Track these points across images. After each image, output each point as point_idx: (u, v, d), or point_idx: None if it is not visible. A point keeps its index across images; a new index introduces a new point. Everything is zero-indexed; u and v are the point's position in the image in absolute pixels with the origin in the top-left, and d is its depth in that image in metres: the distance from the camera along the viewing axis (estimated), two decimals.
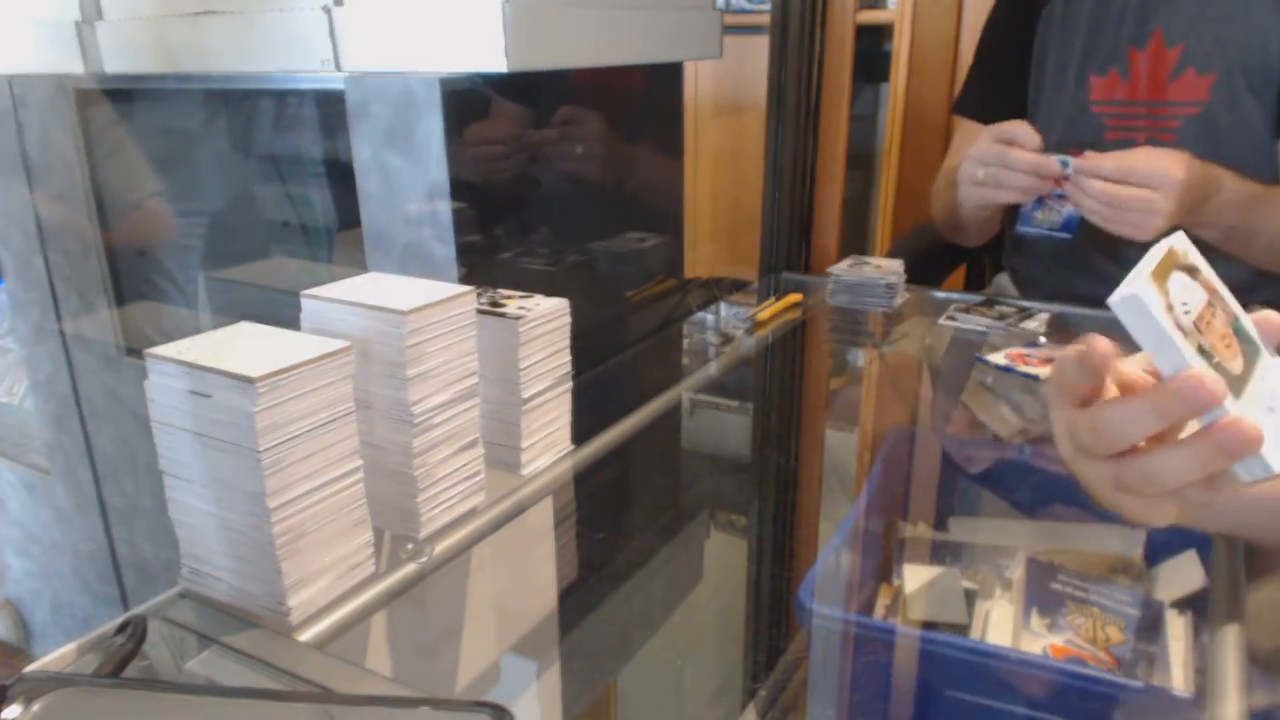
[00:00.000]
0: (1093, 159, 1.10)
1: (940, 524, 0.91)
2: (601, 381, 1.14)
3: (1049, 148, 1.18)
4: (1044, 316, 1.21)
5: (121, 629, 0.60)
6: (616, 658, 0.81)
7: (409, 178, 0.96)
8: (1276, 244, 1.19)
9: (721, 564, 0.93)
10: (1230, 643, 0.63)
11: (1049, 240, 1.17)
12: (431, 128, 0.92)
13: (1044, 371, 1.03)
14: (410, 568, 0.71)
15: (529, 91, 1.05)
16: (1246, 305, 0.56)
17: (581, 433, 0.90)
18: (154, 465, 0.63)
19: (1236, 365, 0.48)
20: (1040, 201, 1.16)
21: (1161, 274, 0.47)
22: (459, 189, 0.94)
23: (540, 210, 1.10)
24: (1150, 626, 0.67)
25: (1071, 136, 1.28)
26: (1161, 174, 1.07)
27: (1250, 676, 0.59)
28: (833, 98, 1.52)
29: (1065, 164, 1.12)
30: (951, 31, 2.22)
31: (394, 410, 0.69)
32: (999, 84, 1.40)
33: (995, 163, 1.15)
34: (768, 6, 1.51)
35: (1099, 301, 1.32)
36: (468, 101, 0.95)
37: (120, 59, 1.14)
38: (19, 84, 1.34)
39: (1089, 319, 1.23)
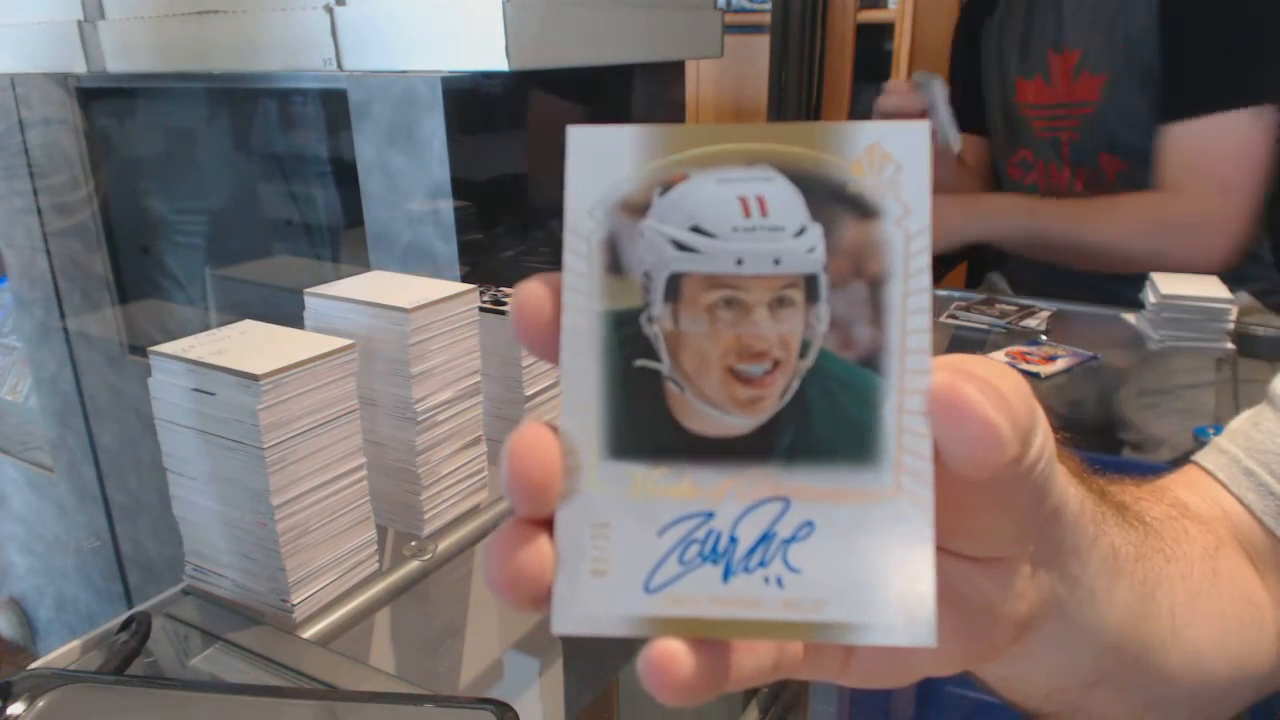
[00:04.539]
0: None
1: None
2: None
3: (998, 146, 1.37)
4: (1045, 314, 1.21)
5: (125, 626, 0.60)
6: (619, 655, 0.81)
7: (411, 176, 0.96)
8: (1126, 247, 1.24)
9: None
10: None
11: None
12: (433, 127, 0.92)
13: (1045, 369, 1.03)
14: (413, 565, 0.71)
15: (530, 90, 1.05)
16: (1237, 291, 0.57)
17: None
18: (157, 462, 0.63)
19: None
20: None
21: None
22: (461, 187, 0.94)
23: (542, 208, 1.10)
24: None
25: (1011, 135, 1.41)
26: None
27: None
28: (833, 97, 1.52)
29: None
30: (951, 31, 2.22)
31: (397, 408, 0.69)
32: (966, 95, 1.47)
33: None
34: (768, 6, 1.51)
35: (1090, 296, 1.34)
36: (469, 100, 0.95)
37: (122, 58, 1.14)
38: (22, 83, 1.34)
39: (1089, 317, 1.23)
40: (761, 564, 0.22)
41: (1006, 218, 1.31)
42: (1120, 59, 1.26)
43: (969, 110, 1.44)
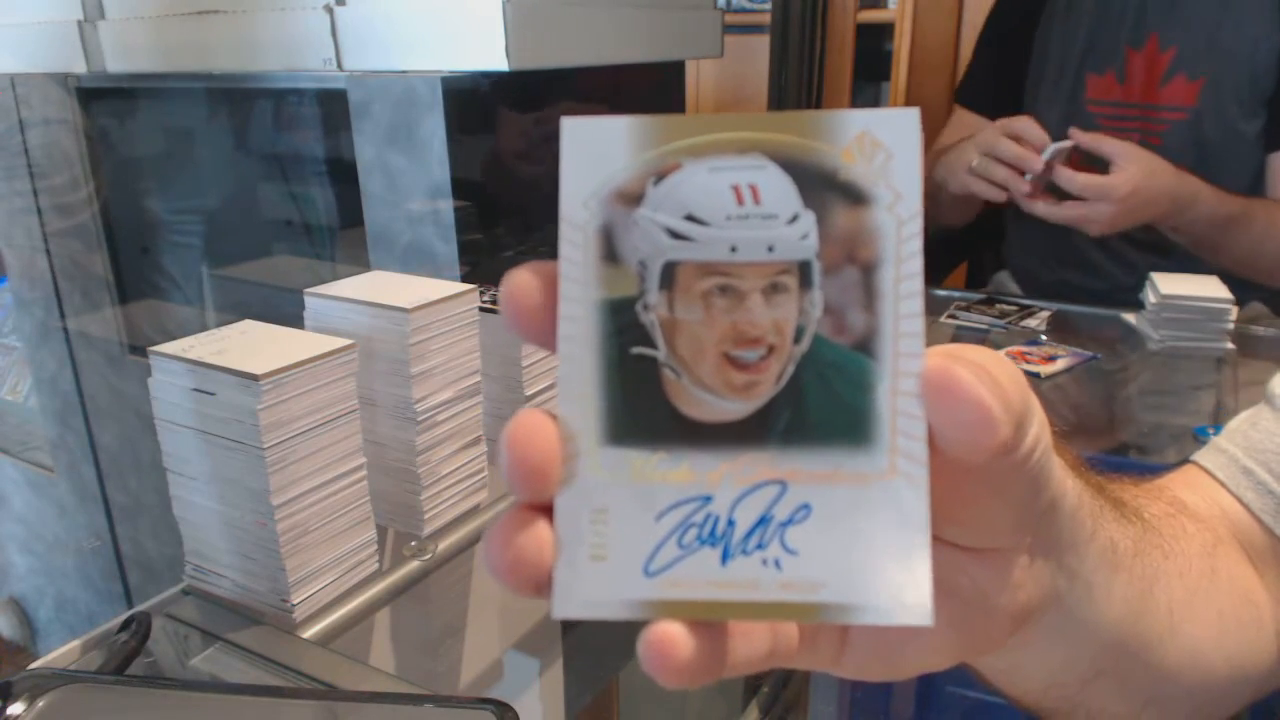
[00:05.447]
0: (1069, 178, 1.13)
1: None
2: None
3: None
4: (1045, 314, 1.21)
5: (125, 626, 0.60)
6: (619, 654, 0.82)
7: (411, 176, 0.96)
8: (1243, 262, 1.19)
9: None
10: None
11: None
12: (433, 127, 0.92)
13: (1045, 369, 1.03)
14: (413, 565, 0.71)
15: (530, 90, 1.05)
16: (1244, 302, 0.56)
17: None
18: (157, 462, 0.63)
19: None
20: None
21: None
22: (461, 187, 0.94)
23: (541, 208, 1.10)
24: None
25: (1065, 134, 1.29)
26: (1103, 191, 1.11)
27: None
28: (833, 97, 1.52)
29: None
30: (951, 31, 2.22)
31: (397, 408, 0.69)
32: (1000, 77, 1.41)
33: (988, 152, 1.18)
34: (768, 6, 1.51)
35: (1096, 295, 1.33)
36: (469, 100, 0.95)
37: (122, 58, 1.14)
38: (22, 83, 1.34)
39: (1089, 317, 1.23)
40: (759, 546, 0.22)
41: (1200, 204, 1.15)
42: (1219, 64, 1.20)
43: (999, 95, 1.38)
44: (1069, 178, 1.12)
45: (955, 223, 1.41)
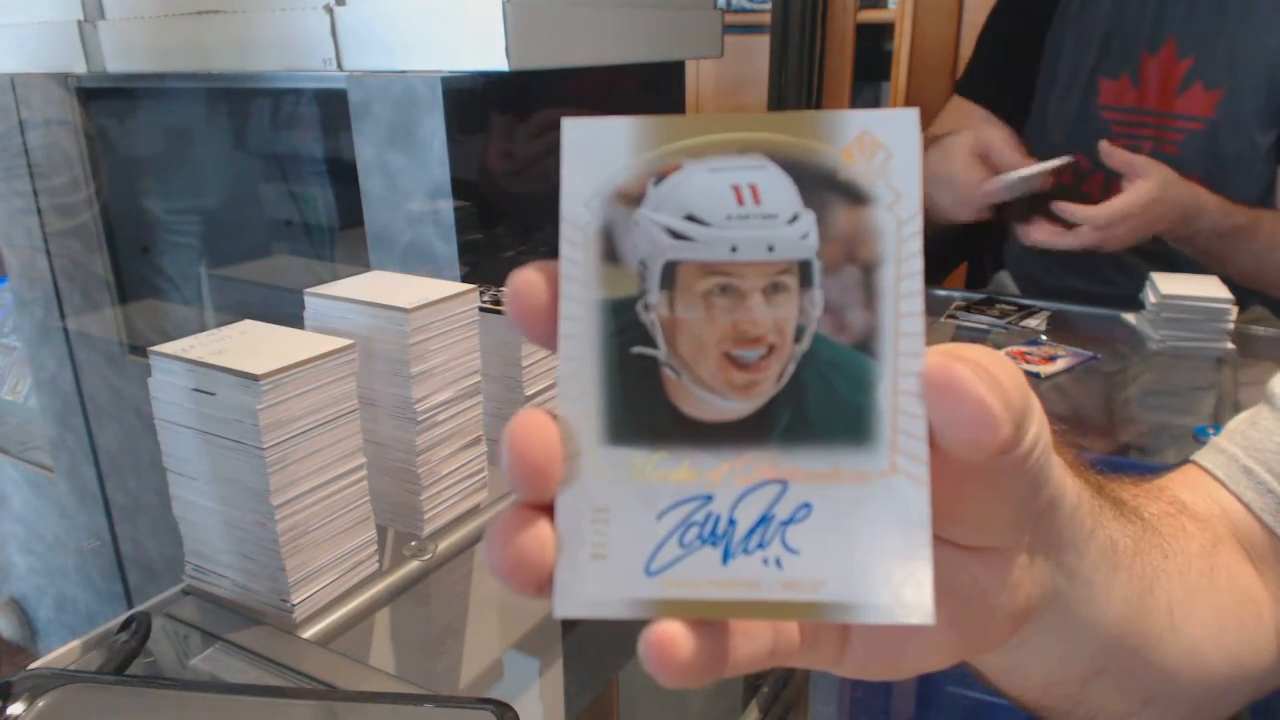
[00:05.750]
0: (1071, 211, 1.11)
1: None
2: None
3: (1053, 147, 1.17)
4: (1045, 314, 1.21)
5: (125, 626, 0.60)
6: (619, 654, 0.81)
7: (411, 176, 0.96)
8: (1247, 272, 1.18)
9: None
10: None
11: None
12: (434, 127, 0.92)
13: (1045, 369, 1.03)
14: (413, 565, 0.71)
15: (530, 90, 1.05)
16: (1246, 306, 0.56)
17: None
18: (158, 462, 0.63)
19: None
20: None
21: None
22: (461, 187, 0.94)
23: (542, 208, 1.10)
24: None
25: (1077, 137, 1.25)
26: (1110, 218, 1.09)
27: None
28: (833, 97, 1.52)
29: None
30: (951, 31, 2.22)
31: (397, 408, 0.69)
32: (1005, 73, 1.38)
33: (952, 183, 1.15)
34: (768, 6, 1.51)
35: (1099, 300, 1.33)
36: (469, 101, 0.95)
37: (122, 58, 1.14)
38: (22, 83, 1.34)
39: (1089, 317, 1.23)
40: (760, 545, 0.22)
41: (1206, 215, 1.13)
42: (1238, 75, 1.18)
43: (1000, 92, 1.36)
44: (1070, 212, 1.10)
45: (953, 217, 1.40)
